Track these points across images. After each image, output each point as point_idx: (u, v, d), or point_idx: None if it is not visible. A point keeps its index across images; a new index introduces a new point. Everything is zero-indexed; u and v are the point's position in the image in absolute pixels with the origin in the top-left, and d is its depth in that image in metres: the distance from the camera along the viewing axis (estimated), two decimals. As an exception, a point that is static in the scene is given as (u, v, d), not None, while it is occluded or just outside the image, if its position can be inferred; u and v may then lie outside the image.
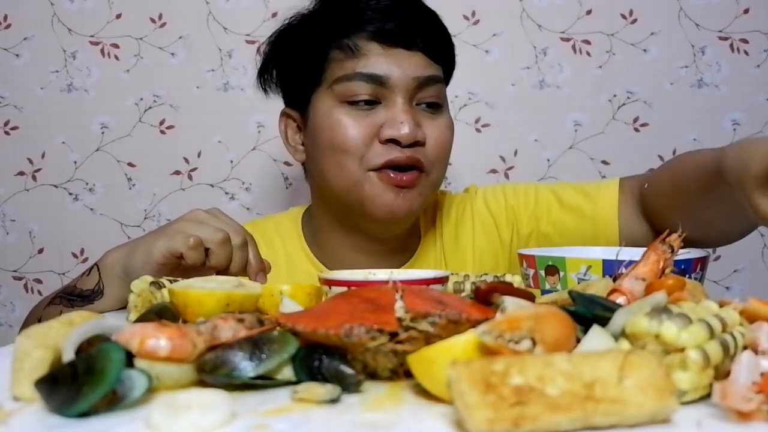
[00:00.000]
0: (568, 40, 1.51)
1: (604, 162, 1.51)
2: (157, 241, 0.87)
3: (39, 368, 0.49)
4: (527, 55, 1.51)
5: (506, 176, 1.53)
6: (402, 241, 1.11)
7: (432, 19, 1.06)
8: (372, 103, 1.00)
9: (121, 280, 0.90)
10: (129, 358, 0.48)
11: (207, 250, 0.87)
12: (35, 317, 0.96)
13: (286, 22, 1.09)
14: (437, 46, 1.05)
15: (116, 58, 1.55)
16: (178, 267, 0.89)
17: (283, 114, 1.12)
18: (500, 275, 0.83)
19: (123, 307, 0.91)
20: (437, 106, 1.04)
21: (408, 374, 0.50)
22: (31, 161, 1.57)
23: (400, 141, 0.98)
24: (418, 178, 1.01)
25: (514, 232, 1.14)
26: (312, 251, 1.13)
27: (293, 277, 1.09)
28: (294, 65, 1.07)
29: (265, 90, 1.13)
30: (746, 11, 1.48)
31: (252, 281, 0.89)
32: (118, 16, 1.54)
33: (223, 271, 0.89)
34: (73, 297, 0.94)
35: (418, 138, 0.99)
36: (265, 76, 1.12)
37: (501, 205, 1.15)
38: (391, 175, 0.99)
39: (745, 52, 1.49)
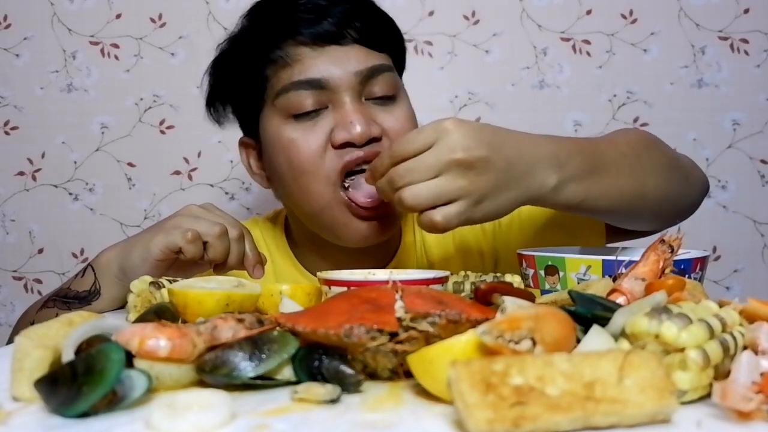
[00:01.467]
0: (568, 40, 1.51)
1: (604, 162, 1.51)
2: (154, 237, 0.87)
3: (38, 368, 0.49)
4: (527, 55, 1.51)
5: (506, 176, 1.53)
6: (384, 244, 1.05)
7: (362, 5, 0.98)
8: (318, 110, 0.93)
9: (117, 279, 0.90)
10: (129, 359, 0.48)
11: (205, 243, 0.87)
12: (27, 321, 0.93)
13: (219, 49, 1.05)
14: (375, 33, 0.97)
15: (116, 58, 1.55)
16: (176, 262, 0.89)
17: (241, 143, 1.07)
18: (500, 275, 0.83)
19: (121, 306, 0.91)
20: (390, 98, 0.96)
21: (408, 374, 0.50)
22: (31, 161, 1.57)
23: (354, 142, 0.91)
24: (388, 205, 0.88)
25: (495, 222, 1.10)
26: (296, 257, 1.11)
27: (279, 282, 1.07)
28: (235, 90, 1.02)
29: (218, 122, 1.08)
30: (746, 11, 1.48)
31: (249, 274, 0.90)
32: (118, 16, 1.54)
33: (221, 264, 0.89)
34: (68, 299, 0.92)
35: (374, 134, 0.92)
36: (214, 107, 1.07)
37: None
38: (362, 210, 0.92)
39: (745, 52, 1.49)
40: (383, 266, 1.06)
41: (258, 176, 1.07)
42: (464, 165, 0.71)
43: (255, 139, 1.03)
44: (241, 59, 1.00)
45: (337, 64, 0.93)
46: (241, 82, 1.00)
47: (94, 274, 0.91)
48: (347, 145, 0.91)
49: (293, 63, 0.94)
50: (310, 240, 1.06)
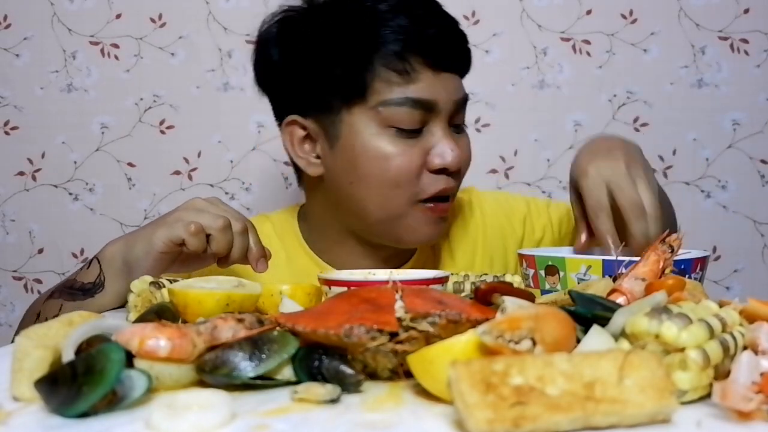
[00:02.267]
0: (568, 40, 1.51)
1: (604, 162, 1.51)
2: (157, 230, 0.87)
3: (38, 368, 0.49)
4: (527, 55, 1.51)
5: (506, 176, 1.53)
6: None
7: (464, 38, 1.01)
8: (420, 129, 0.96)
9: (121, 272, 0.89)
10: (129, 359, 0.48)
11: (208, 237, 0.86)
12: (33, 312, 0.94)
13: (294, 13, 1.00)
14: (466, 65, 1.03)
15: (116, 58, 1.55)
16: (180, 256, 0.89)
17: (291, 123, 1.02)
18: (500, 275, 0.83)
19: (124, 302, 0.91)
20: (461, 127, 1.02)
21: (408, 374, 0.50)
22: (31, 161, 1.57)
23: (450, 169, 0.96)
24: (449, 208, 1.01)
25: (526, 233, 1.16)
26: (316, 253, 1.10)
27: (295, 277, 1.06)
28: (318, 72, 0.97)
29: (264, 88, 1.06)
30: (746, 11, 1.48)
31: (253, 267, 0.89)
32: (118, 16, 1.54)
33: (224, 258, 0.88)
34: (74, 290, 0.92)
35: (461, 164, 0.98)
36: (267, 77, 1.04)
37: (514, 210, 1.18)
38: (434, 207, 0.98)
39: (745, 52, 1.49)
40: (401, 264, 1.09)
41: (302, 159, 1.03)
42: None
43: (318, 123, 0.99)
44: (344, 53, 0.95)
45: (446, 89, 0.97)
46: (333, 66, 0.95)
47: (100, 266, 0.91)
48: (441, 170, 0.96)
49: (412, 79, 0.94)
50: (338, 240, 1.07)
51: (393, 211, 0.97)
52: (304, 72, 0.98)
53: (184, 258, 0.90)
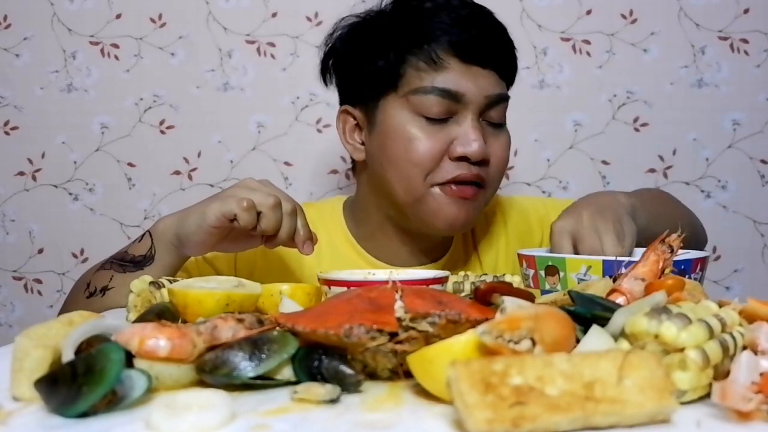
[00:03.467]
0: (568, 40, 1.51)
1: (604, 162, 1.51)
2: (211, 204, 0.89)
3: (38, 368, 0.49)
4: (528, 55, 1.51)
5: (506, 176, 1.53)
6: (440, 238, 1.14)
7: (505, 36, 1.07)
8: (446, 119, 1.01)
9: (173, 246, 0.93)
10: (129, 359, 0.48)
11: (258, 214, 0.89)
12: (84, 282, 0.99)
13: (359, 18, 1.09)
14: (507, 66, 1.07)
15: (116, 58, 1.55)
16: (231, 232, 0.91)
17: (343, 112, 1.11)
18: (500, 275, 0.83)
19: (172, 275, 0.94)
20: (500, 125, 1.06)
21: (408, 374, 0.50)
22: (31, 161, 1.57)
23: (470, 158, 0.99)
24: (478, 193, 1.03)
25: (544, 235, 1.18)
26: (358, 242, 1.14)
27: (336, 266, 1.09)
28: (365, 65, 1.05)
29: (326, 82, 1.13)
30: (746, 11, 1.48)
31: (300, 249, 0.91)
32: (118, 16, 1.54)
33: (272, 237, 0.91)
34: (125, 262, 0.96)
35: (486, 156, 1.01)
36: (329, 70, 1.12)
37: (532, 212, 1.21)
38: (454, 188, 1.01)
39: (745, 52, 1.49)
40: (436, 259, 1.14)
41: (350, 146, 1.10)
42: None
43: (363, 112, 1.07)
44: (385, 39, 1.03)
45: (475, 83, 1.01)
46: (376, 60, 1.03)
47: (151, 239, 0.95)
48: (461, 158, 1.00)
49: (439, 68, 1.00)
50: (380, 228, 1.12)
51: (414, 193, 1.02)
52: (354, 64, 1.07)
53: (235, 236, 0.92)
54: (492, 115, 1.03)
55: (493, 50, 1.04)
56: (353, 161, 1.16)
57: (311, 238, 0.92)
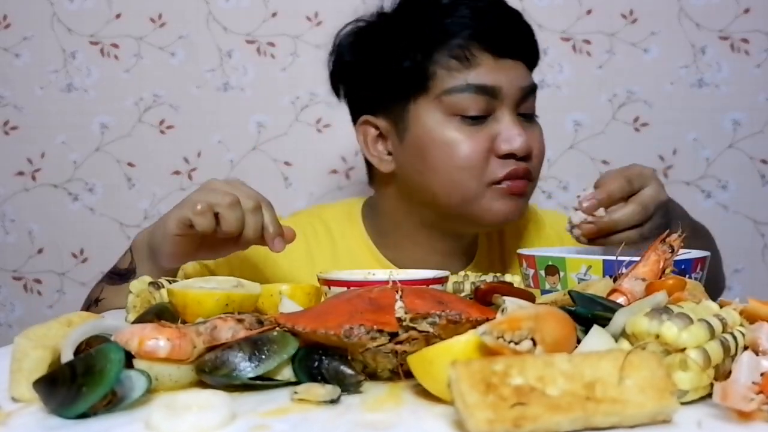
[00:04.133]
0: (568, 40, 1.51)
1: (604, 162, 1.51)
2: (171, 212, 0.87)
3: (38, 369, 0.49)
4: (527, 55, 1.51)
5: (506, 176, 1.53)
6: (471, 239, 1.13)
7: (531, 29, 1.05)
8: (485, 116, 0.99)
9: (148, 258, 0.92)
10: (128, 359, 0.48)
11: (217, 215, 0.84)
12: (88, 297, 1.01)
13: (363, 23, 1.05)
14: (534, 56, 1.06)
15: (116, 58, 1.55)
16: (206, 241, 0.87)
17: (364, 122, 1.06)
18: (500, 275, 0.83)
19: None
20: (532, 116, 1.04)
21: (408, 374, 0.50)
22: (30, 161, 1.57)
23: (517, 154, 0.98)
24: (527, 186, 1.02)
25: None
26: (379, 249, 1.11)
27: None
28: (386, 69, 1.01)
29: (338, 95, 1.10)
30: (746, 11, 1.48)
31: (270, 247, 0.86)
32: (118, 16, 1.54)
33: (238, 238, 0.85)
34: (113, 275, 0.97)
35: (530, 150, 1.00)
36: (342, 81, 1.08)
37: (561, 224, 1.19)
38: (509, 184, 0.99)
39: (746, 52, 1.49)
40: (465, 266, 1.11)
41: (375, 158, 1.06)
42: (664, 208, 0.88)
43: (389, 120, 1.03)
44: (405, 40, 1.00)
45: (507, 76, 0.99)
46: (398, 64, 1.00)
47: (131, 254, 0.95)
48: (509, 155, 0.98)
49: (472, 65, 0.97)
50: (409, 236, 1.08)
51: (465, 195, 0.99)
52: (373, 71, 1.03)
53: (211, 242, 0.88)
54: (526, 107, 1.02)
55: (519, 40, 1.02)
56: (370, 171, 1.12)
57: (282, 234, 0.86)
